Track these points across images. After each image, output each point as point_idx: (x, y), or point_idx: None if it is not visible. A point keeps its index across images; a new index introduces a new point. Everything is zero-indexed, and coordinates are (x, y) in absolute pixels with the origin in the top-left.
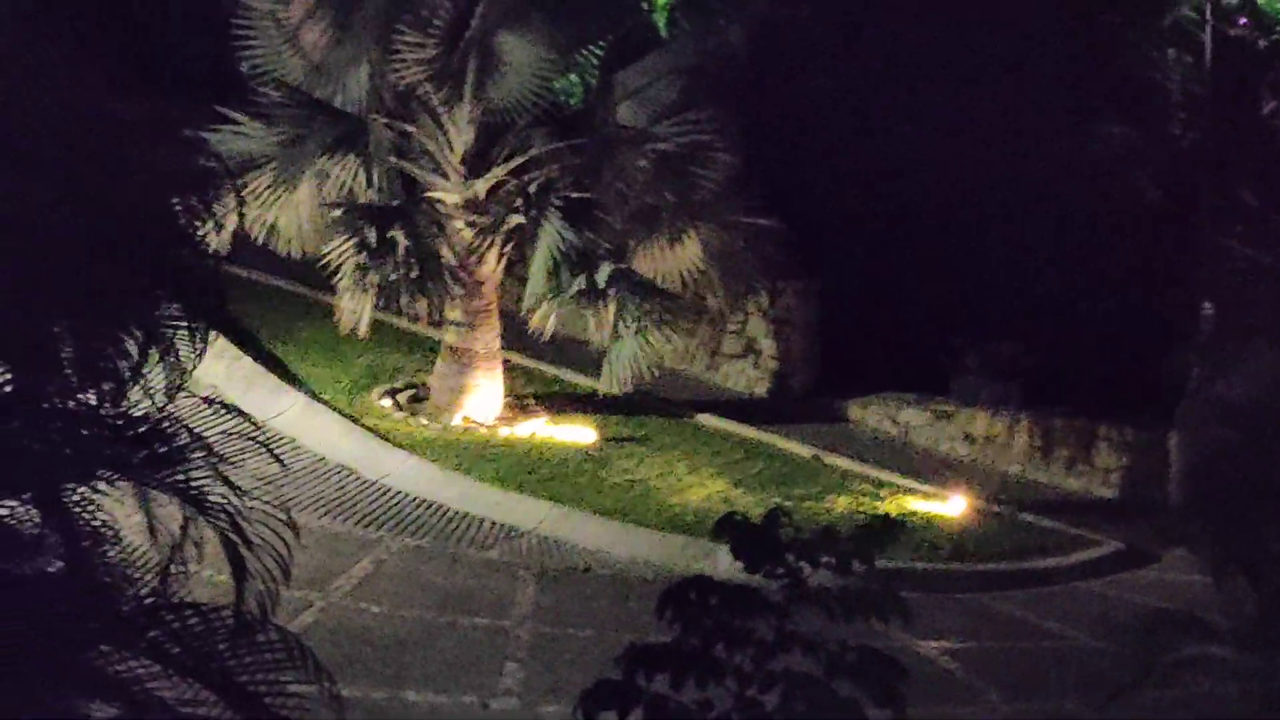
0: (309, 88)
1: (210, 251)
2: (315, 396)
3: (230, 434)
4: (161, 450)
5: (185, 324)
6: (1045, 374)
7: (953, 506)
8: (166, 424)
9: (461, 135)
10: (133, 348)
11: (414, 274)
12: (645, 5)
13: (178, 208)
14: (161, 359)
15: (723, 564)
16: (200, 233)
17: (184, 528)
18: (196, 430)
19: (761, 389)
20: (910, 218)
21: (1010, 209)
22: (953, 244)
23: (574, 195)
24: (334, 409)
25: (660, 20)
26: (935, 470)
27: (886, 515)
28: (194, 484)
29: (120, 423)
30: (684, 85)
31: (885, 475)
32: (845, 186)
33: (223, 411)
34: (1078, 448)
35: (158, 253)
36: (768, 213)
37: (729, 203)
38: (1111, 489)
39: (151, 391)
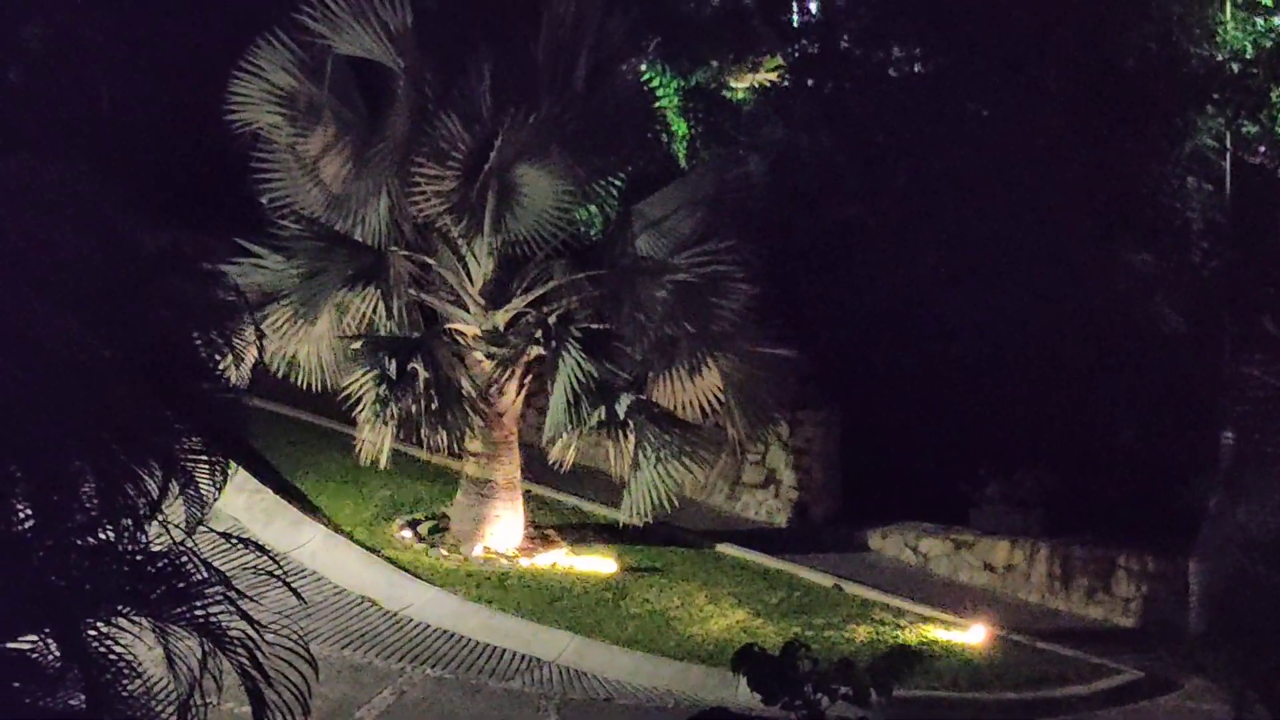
0: (328, 220)
1: (230, 384)
2: (336, 528)
3: (250, 568)
4: (180, 586)
5: (205, 457)
6: (1066, 502)
7: (973, 635)
8: (186, 559)
9: (481, 267)
10: (153, 482)
11: (434, 406)
12: (665, 137)
13: (198, 341)
14: (182, 492)
15: (743, 694)
16: (220, 365)
17: (203, 662)
18: (216, 565)
19: (782, 519)
20: (931, 346)
21: (1032, 336)
22: (974, 372)
23: (593, 326)
24: (355, 541)
25: (680, 151)
26: (955, 599)
27: (905, 645)
28: (213, 619)
29: (140, 558)
30: (703, 215)
31: (905, 604)
32: (865, 315)
33: (242, 546)
34: (1097, 576)
35: (178, 386)
36: (787, 342)
37: (748, 333)
38: (1131, 617)
39: (171, 525)
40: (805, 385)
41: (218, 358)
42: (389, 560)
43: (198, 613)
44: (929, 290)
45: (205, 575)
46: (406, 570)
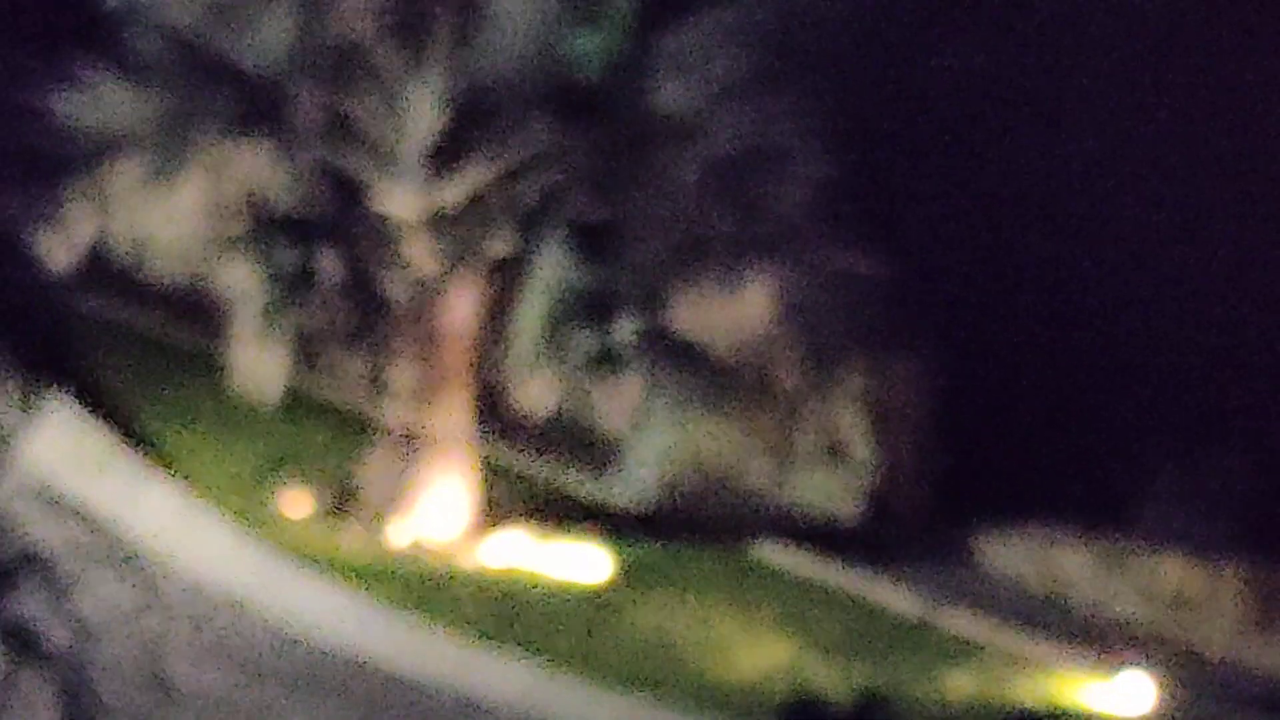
0: (205, 36)
1: (53, 274)
2: (197, 491)
3: (71, 543)
4: None
5: (10, 378)
6: (1271, 505)
7: (1130, 697)
8: None
9: (426, 117)
10: None
11: (347, 318)
12: None
13: (5, 209)
14: None
15: None
16: (39, 246)
17: (8, 679)
18: (25, 537)
19: (851, 510)
20: (1082, 262)
21: (1237, 257)
22: (1145, 303)
23: (588, 215)
24: (223, 510)
25: None
26: (1103, 641)
27: (1033, 710)
28: (25, 620)
29: None
30: (756, 57)
31: (1028, 646)
32: (985, 213)
33: (62, 510)
34: None
35: None
36: (869, 252)
37: (813, 235)
38: None
39: None
40: (893, 315)
41: (34, 234)
42: (272, 543)
43: (4, 610)
44: (1079, 175)
45: (16, 555)
46: (297, 559)
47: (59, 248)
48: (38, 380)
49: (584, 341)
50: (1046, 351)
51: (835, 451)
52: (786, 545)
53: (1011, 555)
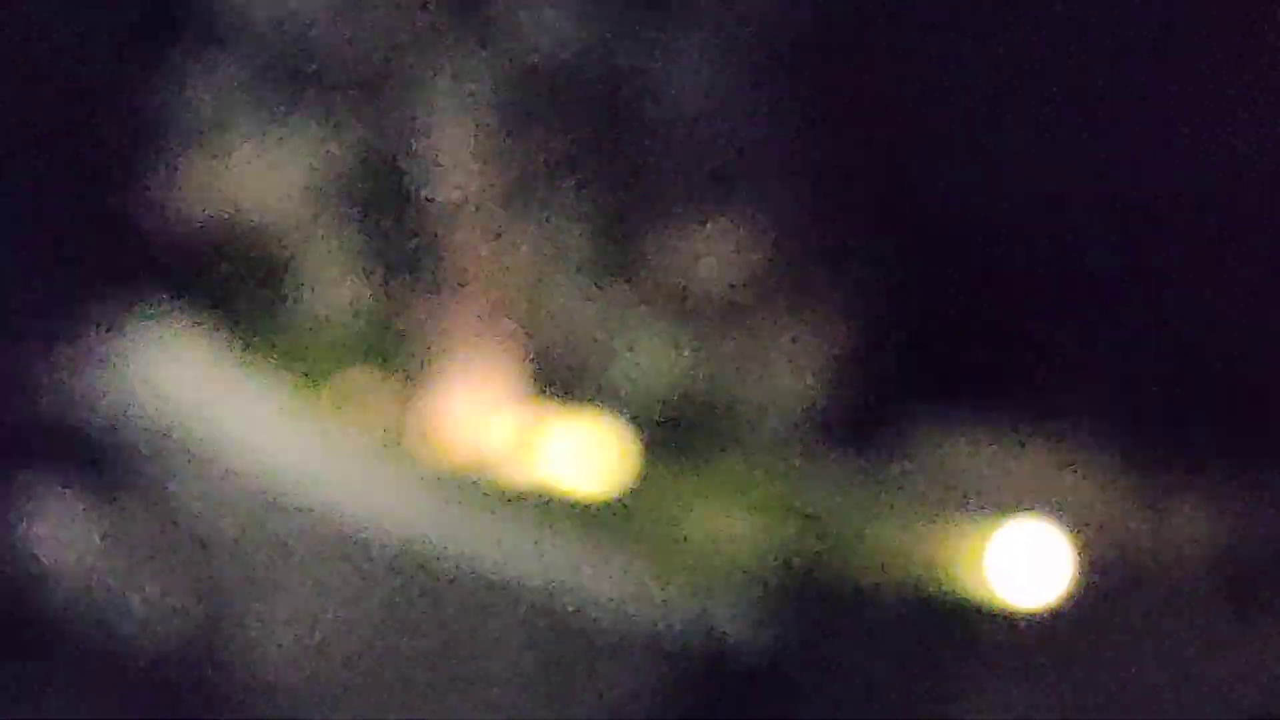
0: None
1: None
2: (274, 399)
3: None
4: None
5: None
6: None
7: (1041, 583)
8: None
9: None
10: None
11: (410, 288)
12: None
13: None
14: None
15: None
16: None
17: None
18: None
19: (812, 410)
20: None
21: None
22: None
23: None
24: (299, 419)
25: None
26: (1017, 530)
27: (950, 595)
28: None
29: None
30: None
31: (950, 531)
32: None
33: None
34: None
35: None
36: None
37: (774, 183)
38: None
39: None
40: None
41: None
42: (342, 448)
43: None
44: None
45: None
46: (361, 465)
47: (169, 210)
48: (136, 305)
49: (575, 280)
50: (989, 278)
51: (797, 364)
52: (760, 444)
53: (940, 451)
